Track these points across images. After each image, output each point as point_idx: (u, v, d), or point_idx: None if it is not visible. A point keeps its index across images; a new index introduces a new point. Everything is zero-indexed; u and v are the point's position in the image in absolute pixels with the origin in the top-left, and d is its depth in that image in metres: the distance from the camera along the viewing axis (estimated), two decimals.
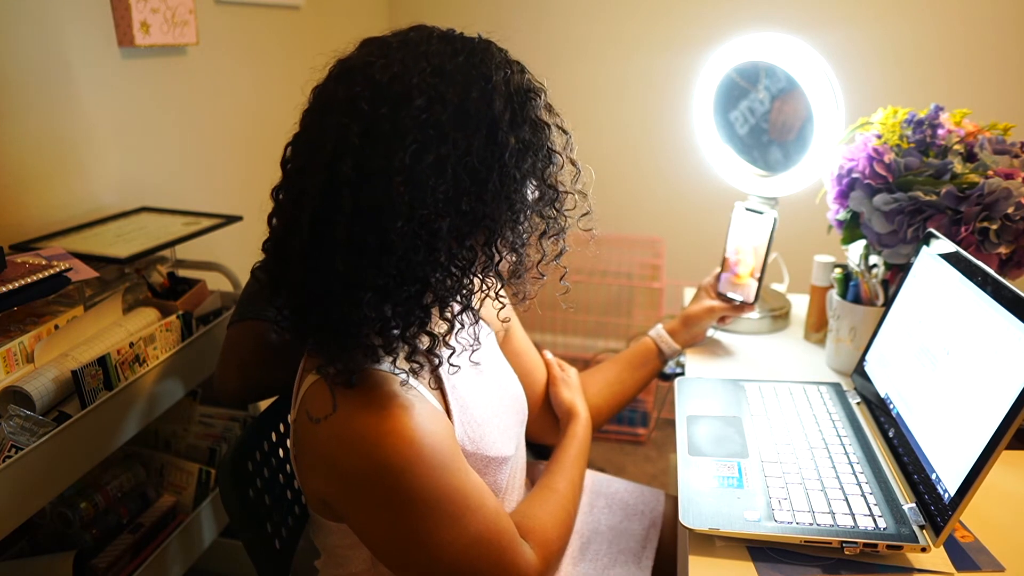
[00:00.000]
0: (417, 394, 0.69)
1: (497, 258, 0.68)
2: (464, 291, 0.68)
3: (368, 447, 0.64)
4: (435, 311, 0.67)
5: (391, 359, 0.69)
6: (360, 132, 0.61)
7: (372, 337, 0.65)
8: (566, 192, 0.71)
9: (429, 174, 0.60)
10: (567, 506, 0.85)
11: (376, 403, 0.66)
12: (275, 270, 0.69)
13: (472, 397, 0.80)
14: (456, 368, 0.75)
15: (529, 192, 0.69)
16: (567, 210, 0.72)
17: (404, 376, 0.69)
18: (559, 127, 0.70)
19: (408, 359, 0.68)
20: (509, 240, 0.68)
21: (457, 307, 0.69)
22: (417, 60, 0.63)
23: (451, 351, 0.72)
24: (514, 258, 0.70)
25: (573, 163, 0.72)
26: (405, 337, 0.66)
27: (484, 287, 0.71)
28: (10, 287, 0.88)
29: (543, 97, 0.68)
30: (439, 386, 0.75)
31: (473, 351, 0.79)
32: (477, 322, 0.74)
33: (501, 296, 0.76)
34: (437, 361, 0.71)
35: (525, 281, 0.73)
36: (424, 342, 0.68)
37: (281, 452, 0.97)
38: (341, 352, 0.65)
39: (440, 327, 0.70)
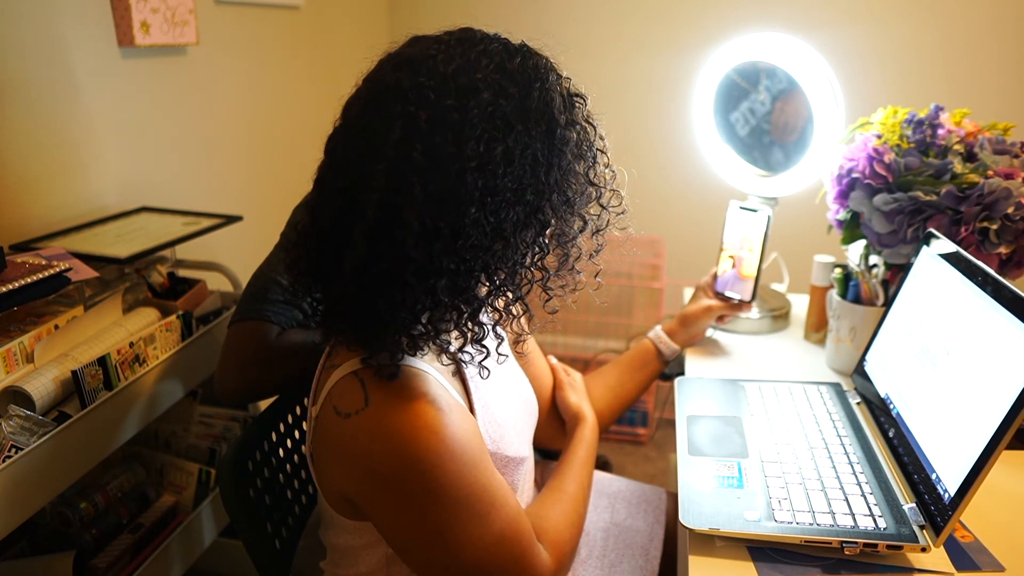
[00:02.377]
0: (446, 391, 0.70)
1: (547, 252, 0.70)
2: (515, 282, 0.69)
3: (401, 442, 0.64)
4: (488, 300, 0.69)
5: (437, 355, 0.70)
6: (428, 120, 0.62)
7: (431, 324, 0.67)
8: (612, 190, 0.75)
9: (499, 163, 0.63)
10: (578, 508, 0.85)
11: (408, 399, 0.66)
12: (321, 261, 0.68)
13: (492, 397, 0.80)
14: (504, 357, 0.77)
15: (581, 188, 0.71)
16: (613, 207, 0.75)
17: (451, 371, 0.70)
18: (598, 133, 0.73)
19: (460, 349, 0.70)
20: (559, 234, 0.71)
21: (507, 298, 0.71)
22: (479, 57, 0.65)
23: (500, 340, 0.73)
24: (561, 252, 0.73)
25: (609, 167, 0.75)
26: (464, 325, 0.68)
27: (530, 279, 0.72)
28: (10, 287, 0.88)
29: (587, 103, 0.72)
30: (464, 385, 0.76)
31: (521, 341, 0.81)
32: (527, 312, 0.75)
33: (550, 288, 0.77)
34: (486, 352, 0.72)
35: (569, 275, 0.75)
36: (476, 332, 0.70)
37: (281, 452, 0.97)
38: (394, 341, 0.66)
39: (489, 317, 0.72)
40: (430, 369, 0.71)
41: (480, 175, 0.62)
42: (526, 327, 0.80)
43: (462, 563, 0.68)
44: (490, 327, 0.71)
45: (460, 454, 0.66)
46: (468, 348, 0.70)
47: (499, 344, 0.74)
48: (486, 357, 0.72)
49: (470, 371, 0.77)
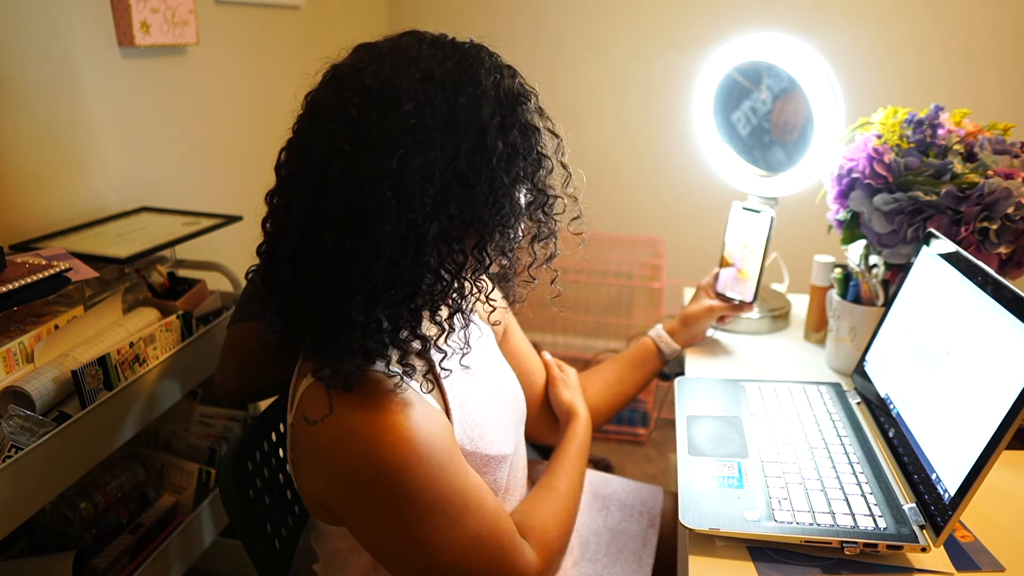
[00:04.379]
0: (415, 394, 0.69)
1: (487, 261, 0.68)
2: (454, 294, 0.68)
3: (365, 447, 0.64)
4: (425, 314, 0.68)
5: (385, 361, 0.69)
6: (349, 138, 0.61)
7: (362, 340, 0.65)
8: (556, 196, 0.72)
9: (417, 179, 0.61)
10: (568, 506, 0.85)
11: (372, 403, 0.66)
12: (267, 274, 0.69)
13: (470, 396, 0.80)
14: (448, 372, 0.75)
15: (519, 196, 0.69)
16: (557, 214, 0.73)
17: (399, 376, 0.69)
18: (550, 131, 0.70)
19: (400, 362, 0.68)
20: (499, 244, 0.68)
21: (447, 311, 0.70)
22: (407, 65, 0.63)
23: (442, 355, 0.72)
24: (504, 262, 0.71)
25: (564, 167, 0.72)
26: (395, 341, 0.66)
27: (475, 290, 0.71)
28: (10, 287, 0.88)
29: (533, 101, 0.69)
30: (438, 386, 0.75)
31: (463, 355, 0.79)
32: (467, 325, 0.74)
33: (492, 300, 0.76)
34: (427, 366, 0.71)
35: (515, 284, 0.73)
36: (415, 346, 0.68)
37: (281, 452, 0.97)
38: (333, 355, 0.65)
39: (431, 330, 0.70)
40: (395, 372, 0.69)
41: (395, 191, 0.60)
42: (475, 336, 0.78)
43: (440, 566, 0.67)
44: (432, 341, 0.69)
45: (427, 457, 0.65)
46: (407, 361, 0.68)
47: (443, 359, 0.72)
48: (429, 370, 0.71)
49: (444, 372, 0.76)
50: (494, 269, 0.70)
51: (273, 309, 0.70)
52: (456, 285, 0.67)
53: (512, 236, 0.69)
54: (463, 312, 0.70)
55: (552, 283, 0.75)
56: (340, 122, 0.62)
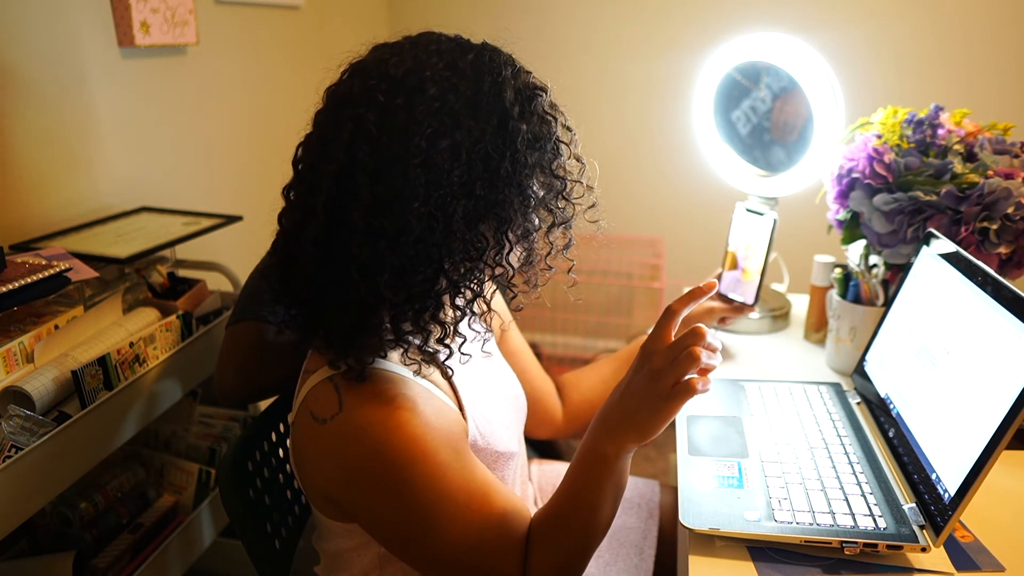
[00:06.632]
0: (424, 390, 0.70)
1: (508, 247, 0.69)
2: (475, 279, 0.69)
3: (373, 443, 0.65)
4: (447, 299, 0.69)
5: (401, 351, 0.69)
6: (376, 121, 0.63)
7: (386, 323, 0.66)
8: (574, 182, 0.73)
9: (444, 158, 0.63)
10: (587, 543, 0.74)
11: (380, 401, 0.66)
12: (285, 267, 0.69)
13: (480, 394, 0.81)
14: (468, 357, 0.76)
15: (537, 183, 0.70)
16: (576, 199, 0.74)
17: (412, 372, 0.70)
18: (563, 124, 0.72)
19: (420, 348, 0.69)
20: (519, 229, 0.70)
21: (469, 294, 0.70)
22: (430, 56, 0.65)
23: (463, 339, 0.73)
24: (524, 247, 0.72)
25: (578, 158, 0.74)
26: (419, 324, 0.67)
27: (494, 276, 0.72)
28: (10, 287, 0.88)
29: (548, 95, 0.71)
30: (450, 383, 0.76)
31: (485, 341, 0.80)
32: (489, 311, 0.75)
33: (512, 286, 0.76)
34: (449, 352, 0.72)
35: (535, 271, 0.74)
36: (436, 331, 0.69)
37: (281, 452, 0.97)
38: (354, 342, 0.66)
39: (450, 315, 0.71)
40: (407, 372, 0.70)
41: (424, 170, 0.62)
42: (496, 324, 0.79)
43: (451, 556, 0.68)
44: (452, 326, 0.70)
45: (434, 451, 0.66)
46: (429, 346, 0.69)
47: (463, 343, 0.73)
48: (449, 356, 0.72)
49: (463, 356, 0.76)
50: (514, 256, 0.71)
51: (290, 301, 0.70)
52: (477, 269, 0.69)
53: (532, 222, 0.71)
54: (484, 297, 0.71)
55: (569, 271, 0.76)
56: (366, 107, 0.63)
